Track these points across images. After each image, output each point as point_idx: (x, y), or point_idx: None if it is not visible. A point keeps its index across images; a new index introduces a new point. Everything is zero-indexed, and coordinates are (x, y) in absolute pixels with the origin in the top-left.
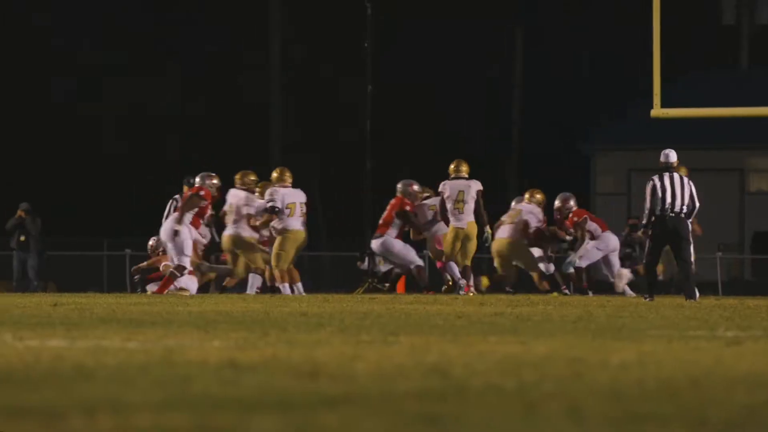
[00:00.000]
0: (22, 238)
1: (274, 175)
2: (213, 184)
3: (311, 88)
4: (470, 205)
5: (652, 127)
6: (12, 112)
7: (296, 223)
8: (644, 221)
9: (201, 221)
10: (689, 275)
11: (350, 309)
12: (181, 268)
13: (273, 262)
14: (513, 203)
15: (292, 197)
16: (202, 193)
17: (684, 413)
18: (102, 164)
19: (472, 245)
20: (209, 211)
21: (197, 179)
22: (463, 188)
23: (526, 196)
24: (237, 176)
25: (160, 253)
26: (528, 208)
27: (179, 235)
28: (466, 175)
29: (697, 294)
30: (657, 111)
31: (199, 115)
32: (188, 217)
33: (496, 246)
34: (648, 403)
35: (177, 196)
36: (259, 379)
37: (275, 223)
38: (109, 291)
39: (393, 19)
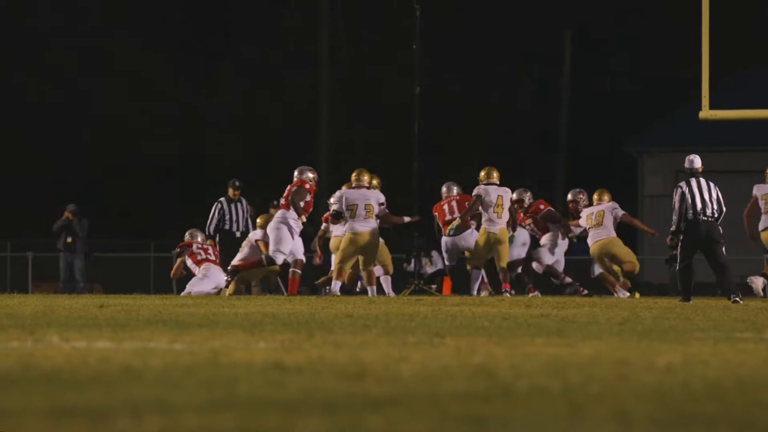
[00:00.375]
0: (69, 239)
1: (353, 176)
2: (312, 177)
3: (359, 89)
4: (506, 212)
5: (700, 128)
6: (61, 112)
7: (357, 225)
8: (673, 228)
9: (304, 216)
10: (728, 275)
11: (396, 311)
12: (270, 260)
13: (336, 260)
14: (583, 212)
15: (353, 199)
16: (307, 186)
17: (730, 415)
18: (150, 166)
19: (504, 248)
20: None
21: (296, 173)
22: (501, 194)
23: (595, 197)
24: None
25: (174, 255)
26: (610, 206)
27: (281, 230)
28: (498, 182)
29: (740, 294)
30: (705, 113)
31: (247, 116)
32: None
33: (599, 249)
34: (694, 405)
35: (222, 199)
36: (304, 380)
37: (344, 225)
38: (155, 292)
39: (442, 20)
